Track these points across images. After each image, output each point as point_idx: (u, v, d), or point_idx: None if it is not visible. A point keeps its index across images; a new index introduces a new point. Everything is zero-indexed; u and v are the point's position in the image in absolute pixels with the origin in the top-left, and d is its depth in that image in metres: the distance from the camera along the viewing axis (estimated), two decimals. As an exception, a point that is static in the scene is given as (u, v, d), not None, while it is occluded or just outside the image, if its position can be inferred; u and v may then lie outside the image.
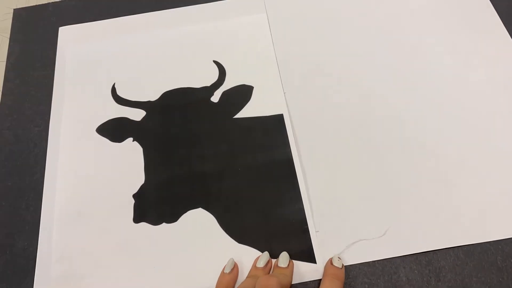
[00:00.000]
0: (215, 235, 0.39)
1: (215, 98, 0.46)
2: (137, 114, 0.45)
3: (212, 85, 0.47)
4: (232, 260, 0.36)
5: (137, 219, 0.40)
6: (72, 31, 0.51)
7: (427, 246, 0.37)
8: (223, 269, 0.36)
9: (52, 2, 0.54)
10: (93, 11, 0.53)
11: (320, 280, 0.36)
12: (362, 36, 0.49)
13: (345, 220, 0.39)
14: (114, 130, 0.45)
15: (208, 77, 0.47)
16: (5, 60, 0.50)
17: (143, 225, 0.40)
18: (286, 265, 0.36)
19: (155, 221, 0.40)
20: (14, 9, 0.54)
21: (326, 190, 0.40)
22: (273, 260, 0.37)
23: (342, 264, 0.36)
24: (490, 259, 0.37)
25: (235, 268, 0.36)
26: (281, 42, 0.49)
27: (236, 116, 0.45)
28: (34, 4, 0.54)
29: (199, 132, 0.44)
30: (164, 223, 0.40)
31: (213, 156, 0.43)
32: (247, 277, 0.36)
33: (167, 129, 0.44)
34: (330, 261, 0.36)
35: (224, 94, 0.46)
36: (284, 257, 0.36)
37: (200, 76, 0.47)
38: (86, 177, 0.42)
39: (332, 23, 0.50)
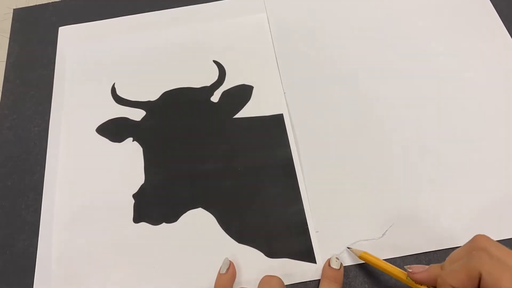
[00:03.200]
0: (215, 235, 0.39)
1: (215, 98, 0.46)
2: (137, 114, 0.45)
3: (212, 85, 0.47)
4: (227, 260, 0.36)
5: (137, 219, 0.40)
6: (72, 31, 0.51)
7: (427, 247, 0.37)
8: (219, 269, 0.36)
9: (52, 2, 0.54)
10: (93, 11, 0.53)
11: (318, 280, 0.36)
12: (362, 36, 0.49)
13: (345, 220, 0.39)
14: (114, 130, 0.45)
15: (208, 77, 0.47)
16: (5, 60, 0.50)
17: (143, 225, 0.40)
18: None
19: (155, 221, 0.40)
20: (14, 9, 0.54)
21: (326, 190, 0.40)
22: (273, 260, 0.37)
23: (341, 264, 0.35)
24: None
25: (231, 267, 0.36)
26: (281, 42, 0.49)
27: (236, 116, 0.45)
28: (34, 4, 0.54)
29: (199, 132, 0.44)
30: (164, 223, 0.40)
31: (213, 156, 0.43)
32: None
33: (167, 129, 0.44)
34: (328, 263, 0.36)
35: (224, 94, 0.46)
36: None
37: (200, 76, 0.47)
38: (86, 177, 0.42)
39: (332, 23, 0.50)
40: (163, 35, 0.50)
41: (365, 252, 0.36)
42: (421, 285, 0.31)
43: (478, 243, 0.27)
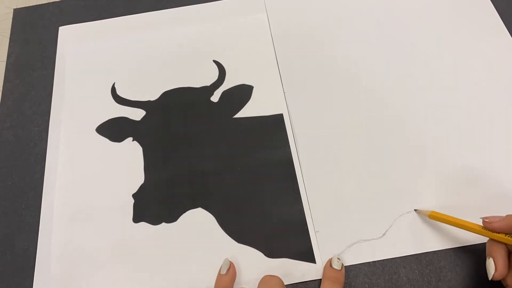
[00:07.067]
0: (215, 235, 0.39)
1: (215, 98, 0.46)
2: (137, 114, 0.45)
3: (212, 85, 0.47)
4: (227, 260, 0.36)
5: (136, 218, 0.40)
6: (72, 31, 0.51)
7: (427, 247, 0.37)
8: (219, 270, 0.36)
9: (52, 2, 0.54)
10: (93, 11, 0.53)
11: (320, 279, 0.36)
12: (362, 36, 0.49)
13: (345, 220, 0.39)
14: (114, 130, 0.45)
15: (208, 77, 0.47)
16: (5, 60, 0.50)
17: (143, 224, 0.40)
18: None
19: (155, 221, 0.40)
20: (14, 9, 0.54)
21: (326, 190, 0.40)
22: (273, 260, 0.37)
23: (342, 265, 0.35)
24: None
25: (231, 268, 0.36)
26: (281, 42, 0.49)
27: (236, 116, 0.45)
28: (34, 4, 0.54)
29: (199, 132, 0.44)
30: (163, 223, 0.40)
31: (213, 156, 0.42)
32: None
33: (167, 129, 0.44)
34: (330, 263, 0.36)
35: (224, 94, 0.46)
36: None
37: (200, 76, 0.47)
38: (86, 177, 0.42)
39: (332, 23, 0.50)
40: (163, 35, 0.50)
41: (434, 211, 0.37)
42: (498, 233, 0.32)
43: None
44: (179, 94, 0.46)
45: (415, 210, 0.38)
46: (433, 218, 0.37)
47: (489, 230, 0.32)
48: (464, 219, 0.35)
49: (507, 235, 0.31)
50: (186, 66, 0.48)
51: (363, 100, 0.45)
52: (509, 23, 0.49)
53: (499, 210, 0.35)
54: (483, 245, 0.37)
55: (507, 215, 0.32)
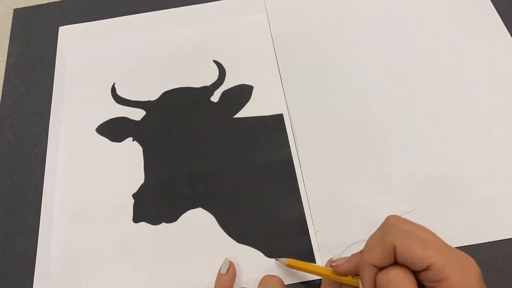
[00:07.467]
0: (215, 235, 0.39)
1: (215, 98, 0.46)
2: (137, 114, 0.45)
3: (212, 84, 0.47)
4: (227, 260, 0.36)
5: (136, 218, 0.40)
6: (72, 31, 0.51)
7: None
8: (219, 270, 0.36)
9: (52, 2, 0.54)
10: (93, 11, 0.53)
11: (320, 279, 0.36)
12: (362, 36, 0.49)
13: (345, 220, 0.39)
14: (113, 130, 0.45)
15: (208, 77, 0.47)
16: (5, 60, 0.50)
17: (143, 224, 0.40)
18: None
19: (155, 221, 0.40)
20: (14, 9, 0.54)
21: (326, 190, 0.40)
22: (273, 260, 0.37)
23: (342, 265, 0.35)
24: (491, 259, 0.37)
25: (231, 267, 0.36)
26: (281, 42, 0.49)
27: (236, 116, 0.45)
28: (34, 4, 0.54)
29: (199, 132, 0.44)
30: (163, 223, 0.40)
31: (213, 156, 0.42)
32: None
33: (167, 129, 0.44)
34: (330, 263, 0.35)
35: (224, 93, 0.46)
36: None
37: (200, 76, 0.47)
38: (86, 177, 0.42)
39: (332, 23, 0.50)
40: (163, 35, 0.50)
41: (292, 260, 0.35)
42: (346, 276, 0.30)
43: (389, 221, 0.28)
44: (179, 94, 0.46)
45: (276, 260, 0.37)
46: (292, 267, 0.35)
47: (337, 274, 0.30)
48: (318, 266, 0.34)
49: (354, 278, 0.30)
50: (186, 66, 0.48)
51: (363, 100, 0.45)
52: (509, 23, 0.49)
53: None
54: (482, 245, 0.37)
55: (351, 255, 0.30)
